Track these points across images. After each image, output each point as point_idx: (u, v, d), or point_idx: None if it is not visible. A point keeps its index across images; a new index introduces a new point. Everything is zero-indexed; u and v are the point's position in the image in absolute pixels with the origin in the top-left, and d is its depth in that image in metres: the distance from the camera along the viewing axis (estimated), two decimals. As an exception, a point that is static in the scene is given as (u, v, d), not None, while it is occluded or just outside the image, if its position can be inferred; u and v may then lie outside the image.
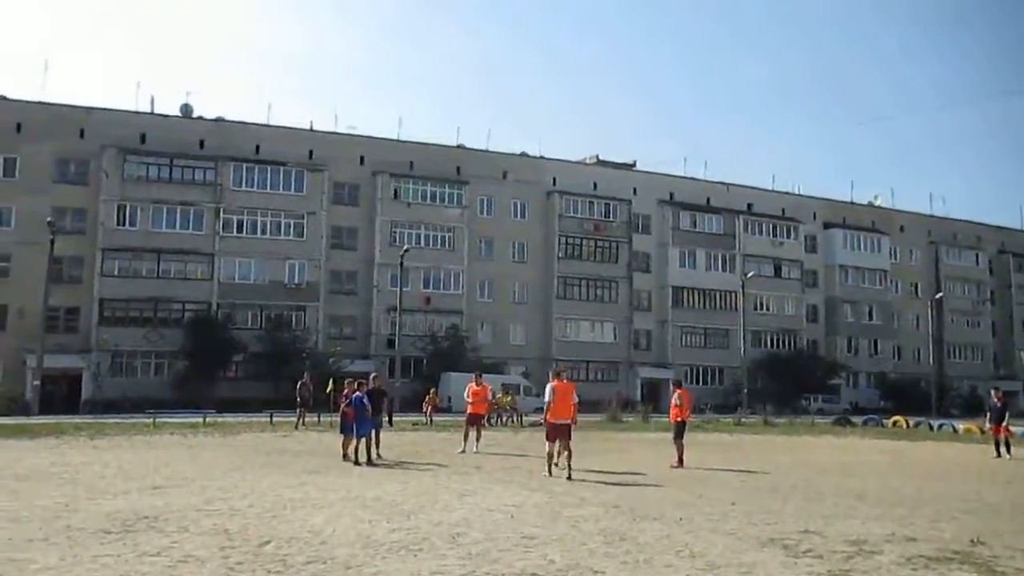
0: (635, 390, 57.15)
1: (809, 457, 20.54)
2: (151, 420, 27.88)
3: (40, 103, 48.99)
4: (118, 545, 7.82)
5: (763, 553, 7.95)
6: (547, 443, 14.68)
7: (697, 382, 59.25)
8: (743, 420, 36.28)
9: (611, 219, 61.26)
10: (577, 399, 14.96)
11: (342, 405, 16.91)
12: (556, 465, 14.48)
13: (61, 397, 44.03)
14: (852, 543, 8.52)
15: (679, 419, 17.28)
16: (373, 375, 18.31)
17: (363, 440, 16.09)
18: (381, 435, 17.37)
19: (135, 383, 46.09)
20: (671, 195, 64.58)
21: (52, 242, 40.81)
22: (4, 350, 45.26)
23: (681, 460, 16.63)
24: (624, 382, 58.48)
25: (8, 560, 7.10)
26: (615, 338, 60.48)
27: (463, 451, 18.54)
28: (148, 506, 10.19)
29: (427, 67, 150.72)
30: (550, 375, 15.82)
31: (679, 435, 17.10)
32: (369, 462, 15.82)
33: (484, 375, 22.76)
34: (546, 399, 14.69)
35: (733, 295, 61.62)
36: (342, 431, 16.70)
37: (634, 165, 66.61)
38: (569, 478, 13.82)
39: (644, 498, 11.80)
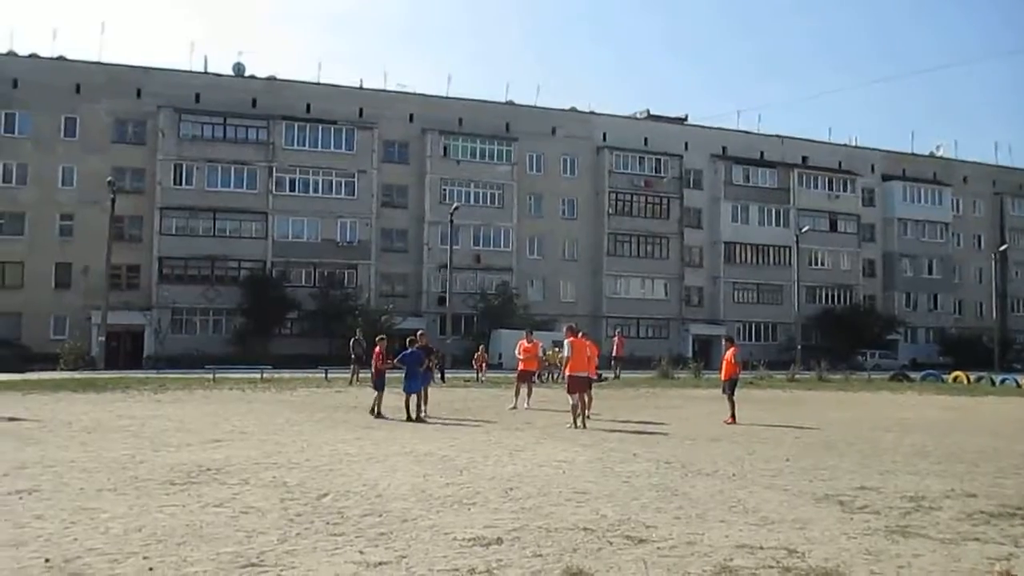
0: (687, 347, 56.79)
1: (865, 413, 20.28)
2: (211, 376, 28.58)
3: (98, 64, 49.83)
4: (183, 496, 8.09)
5: (819, 509, 7.91)
6: (570, 396, 15.36)
7: (750, 338, 58.66)
8: (797, 376, 35.90)
9: (662, 174, 60.48)
10: (593, 353, 16.08)
11: (376, 362, 17.05)
12: (588, 417, 15.23)
13: (125, 353, 45.42)
14: (910, 499, 8.43)
15: (731, 375, 17.19)
16: (420, 332, 18.58)
17: (413, 396, 16.18)
18: (429, 392, 17.52)
19: (194, 339, 47.24)
20: (723, 149, 63.45)
21: (113, 201, 41.83)
22: (70, 307, 46.69)
23: (734, 416, 16.57)
24: (675, 339, 58.22)
25: (80, 509, 7.39)
26: (666, 295, 60.08)
27: (514, 407, 18.69)
28: (210, 459, 10.51)
29: (475, 24, 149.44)
30: (566, 331, 16.42)
31: (731, 391, 17.02)
32: (418, 419, 15.95)
33: (535, 332, 22.81)
34: (565, 354, 15.82)
35: (787, 250, 60.66)
36: (375, 387, 16.82)
37: (685, 120, 65.45)
38: (584, 427, 14.79)
39: (696, 454, 11.80)
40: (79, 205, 47.60)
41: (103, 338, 41.95)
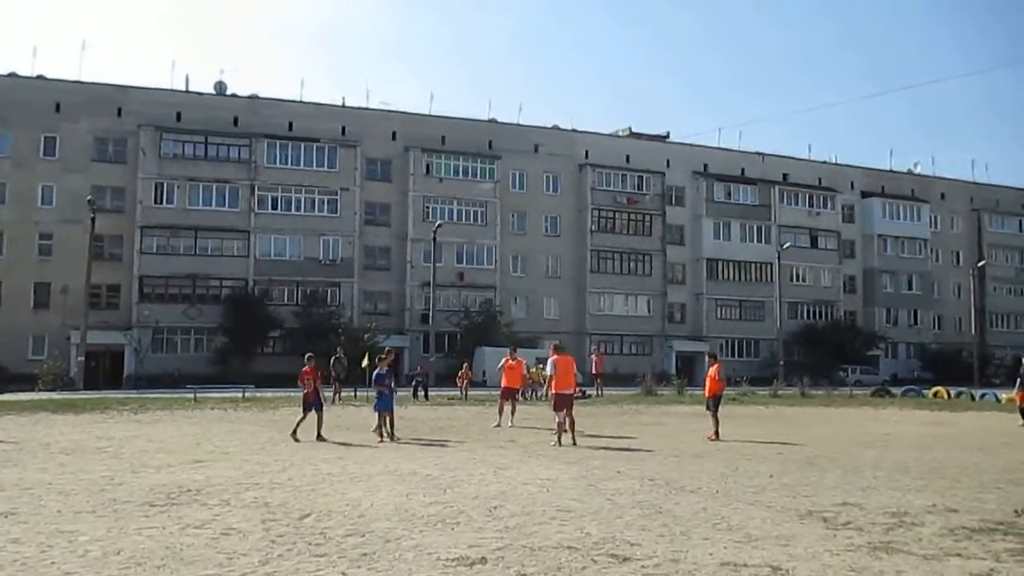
0: (670, 363, 56.91)
1: (847, 429, 20.35)
2: (192, 395, 28.33)
3: (78, 82, 49.63)
4: (162, 518, 8.00)
5: (802, 525, 7.92)
6: (555, 414, 15.36)
7: (732, 354, 58.89)
8: (779, 392, 36.01)
9: (644, 191, 60.82)
10: (576, 371, 16.34)
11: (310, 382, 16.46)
12: (566, 432, 15.16)
13: (104, 372, 45.00)
14: (892, 515, 8.45)
15: (715, 392, 17.23)
16: (387, 350, 18.28)
17: (386, 414, 15.95)
18: (413, 411, 17.47)
19: (176, 359, 46.89)
20: (705, 166, 63.90)
21: (93, 220, 41.57)
22: (49, 327, 46.24)
23: (717, 433, 16.58)
24: (658, 355, 58.37)
25: (58, 532, 7.30)
26: (649, 311, 60.29)
27: (498, 425, 18.64)
28: (190, 480, 10.40)
29: (458, 42, 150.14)
30: (551, 349, 16.56)
31: (715, 408, 17.05)
32: (391, 437, 15.69)
33: (519, 349, 22.79)
34: (548, 372, 15.78)
35: (768, 267, 61.06)
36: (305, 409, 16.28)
37: (667, 137, 65.98)
38: (574, 444, 14.77)
39: (680, 471, 11.80)
40: (58, 224, 47.26)
41: (82, 358, 41.49)
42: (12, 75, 49.37)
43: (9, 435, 16.16)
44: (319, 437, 15.47)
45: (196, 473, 11.04)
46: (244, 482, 10.26)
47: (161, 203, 49.11)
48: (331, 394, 27.28)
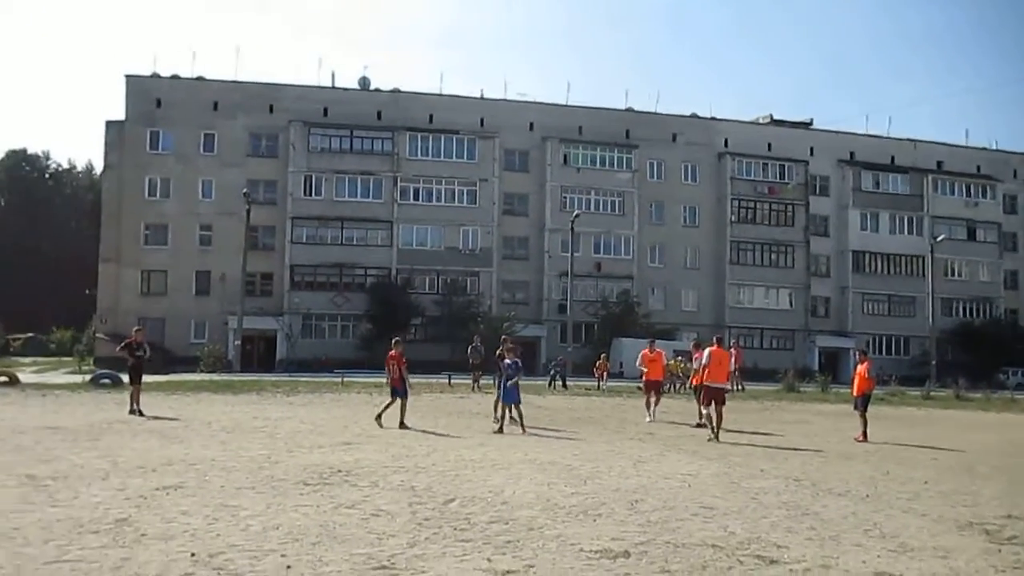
0: (813, 359, 54.92)
1: (1009, 436, 19.08)
2: (339, 379, 29.50)
3: (234, 82, 52.45)
4: (316, 496, 8.38)
5: (962, 537, 7.48)
6: (704, 407, 15.43)
7: (881, 352, 56.13)
8: (932, 394, 34.12)
9: (786, 181, 58.84)
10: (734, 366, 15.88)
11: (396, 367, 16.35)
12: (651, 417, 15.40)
13: (259, 356, 47.55)
14: (1064, 530, 7.86)
15: (864, 391, 16.48)
16: (503, 338, 18.38)
17: (512, 407, 15.43)
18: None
19: (323, 344, 48.99)
20: (851, 154, 61.07)
21: (248, 212, 43.99)
22: (209, 312, 49.29)
23: (865, 434, 15.90)
24: (800, 351, 56.40)
25: (222, 506, 7.78)
26: (791, 305, 58.35)
27: (652, 420, 18.08)
28: (341, 461, 10.86)
29: (594, 31, 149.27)
30: (693, 347, 16.91)
31: (864, 407, 16.33)
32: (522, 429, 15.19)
33: (656, 341, 22.46)
34: (703, 362, 15.52)
35: (920, 260, 57.86)
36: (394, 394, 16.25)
37: (810, 124, 63.36)
38: (716, 440, 14.45)
39: (827, 472, 11.39)
40: (217, 216, 50.25)
41: (239, 342, 44.08)
42: (174, 77, 52.70)
43: (175, 413, 17.36)
44: (401, 424, 15.40)
45: (346, 455, 11.52)
46: (391, 465, 10.63)
47: (310, 195, 51.39)
48: (471, 381, 27.90)
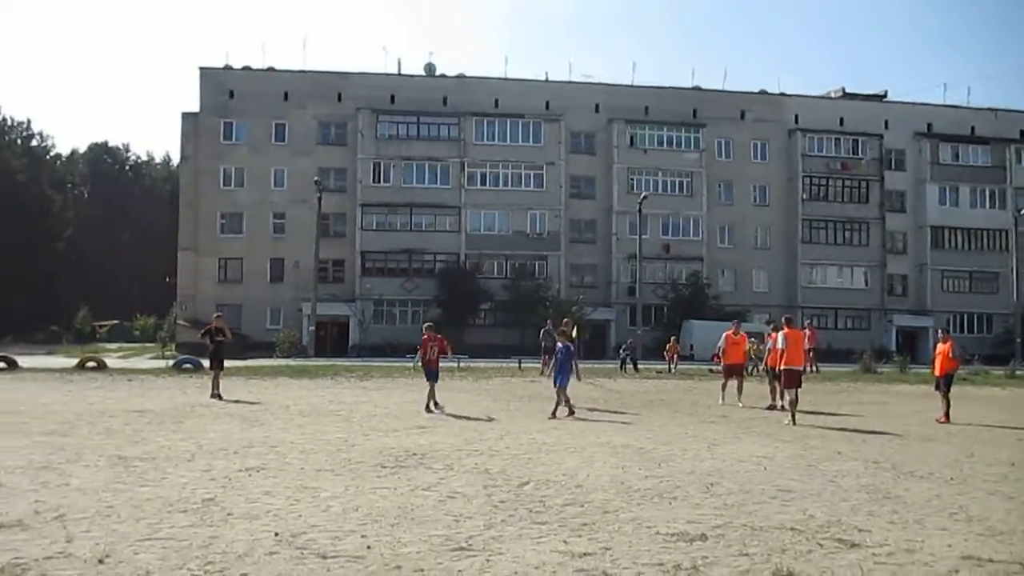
0: (890, 339, 53.53)
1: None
2: (411, 364, 29.83)
3: (303, 72, 53.29)
4: (393, 479, 8.55)
5: (1054, 521, 7.23)
6: (787, 391, 15.15)
7: (962, 330, 54.21)
8: (1017, 373, 32.91)
9: (860, 156, 57.22)
10: (808, 347, 15.42)
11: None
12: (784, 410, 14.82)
13: (332, 341, 48.46)
14: None
15: (947, 371, 15.99)
16: (565, 320, 18.22)
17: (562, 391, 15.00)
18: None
19: (394, 329, 49.64)
20: (928, 126, 58.97)
21: (319, 200, 44.73)
22: (283, 299, 50.42)
23: (948, 415, 15.46)
24: (877, 331, 55.02)
25: (302, 487, 7.99)
26: (866, 283, 56.88)
27: (740, 404, 17.57)
28: (415, 444, 11.03)
29: (658, 10, 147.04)
30: (770, 332, 16.41)
31: (947, 388, 15.85)
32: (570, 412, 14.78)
33: (725, 322, 21.96)
34: (779, 346, 15.19)
35: (1003, 234, 55.78)
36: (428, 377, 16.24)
37: (885, 96, 61.35)
38: (793, 423, 14.15)
39: (908, 454, 11.11)
40: (289, 204, 51.27)
41: (313, 328, 44.99)
42: (246, 68, 53.80)
43: (254, 397, 17.85)
44: (427, 408, 15.47)
45: (420, 438, 11.69)
46: (464, 448, 10.75)
47: (379, 182, 51.99)
48: (541, 365, 27.95)
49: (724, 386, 18.55)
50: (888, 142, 57.61)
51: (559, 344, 15.70)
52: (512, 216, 52.75)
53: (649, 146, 54.89)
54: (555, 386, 15.10)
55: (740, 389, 18.38)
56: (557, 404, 14.79)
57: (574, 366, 15.58)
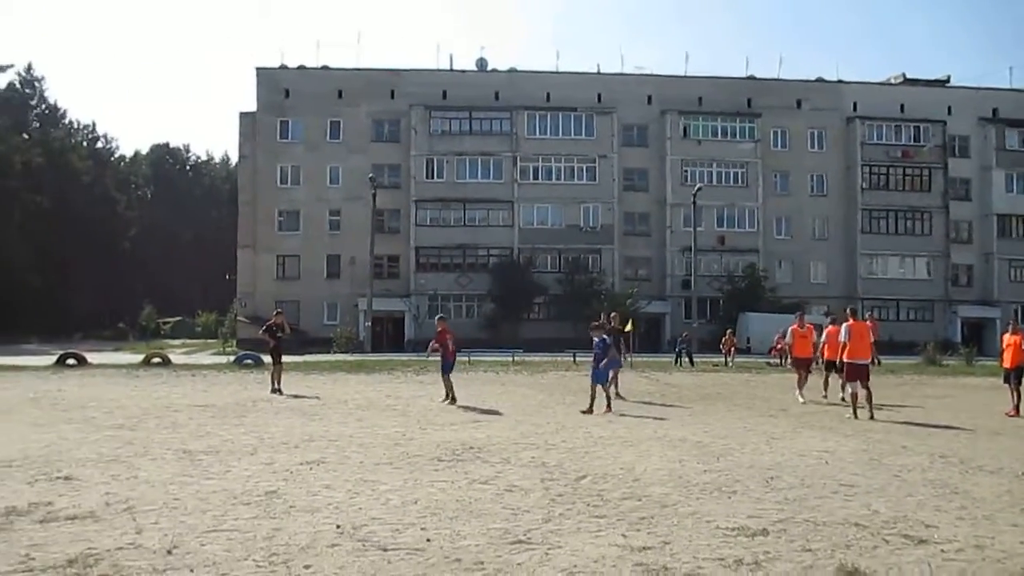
0: (954, 331, 52.15)
1: None
2: (466, 358, 30.02)
3: (356, 70, 53.83)
4: (451, 472, 8.59)
5: None
6: (848, 384, 14.68)
7: (1032, 321, 52.68)
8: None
9: (922, 143, 55.80)
10: (873, 339, 14.91)
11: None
12: (862, 407, 14.20)
13: (388, 336, 49.00)
14: None
15: (1018, 363, 15.47)
16: (612, 314, 18.16)
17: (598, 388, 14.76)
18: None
19: (449, 324, 49.57)
20: (994, 111, 57.22)
21: (374, 196, 45.24)
22: (340, 295, 51.08)
23: (1018, 408, 15.01)
24: (940, 322, 53.68)
25: (362, 480, 8.08)
26: (929, 274, 55.51)
27: (803, 400, 16.93)
28: (472, 438, 11.08)
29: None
30: (830, 322, 16.18)
31: (1017, 381, 15.35)
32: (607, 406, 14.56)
33: (782, 315, 21.57)
34: (842, 339, 14.74)
35: (1075, 222, 53.88)
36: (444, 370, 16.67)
37: (947, 82, 59.69)
38: (854, 416, 13.82)
39: (976, 448, 10.81)
40: (344, 201, 51.89)
41: (369, 323, 45.50)
42: (301, 67, 54.54)
43: (313, 392, 18.13)
44: (450, 399, 15.80)
45: (477, 432, 11.74)
46: (521, 442, 10.76)
47: (432, 178, 52.29)
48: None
49: (800, 382, 17.61)
50: (951, 128, 56.08)
51: (595, 339, 15.28)
52: (565, 210, 52.62)
53: (703, 137, 54.29)
54: (596, 381, 14.72)
55: (803, 382, 17.74)
56: (592, 399, 14.49)
57: (615, 359, 15.54)
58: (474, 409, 14.96)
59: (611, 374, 15.70)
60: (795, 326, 18.50)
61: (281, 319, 19.44)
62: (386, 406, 15.45)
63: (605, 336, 15.46)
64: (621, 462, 9.28)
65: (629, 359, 23.25)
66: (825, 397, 17.21)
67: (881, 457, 9.92)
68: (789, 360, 19.78)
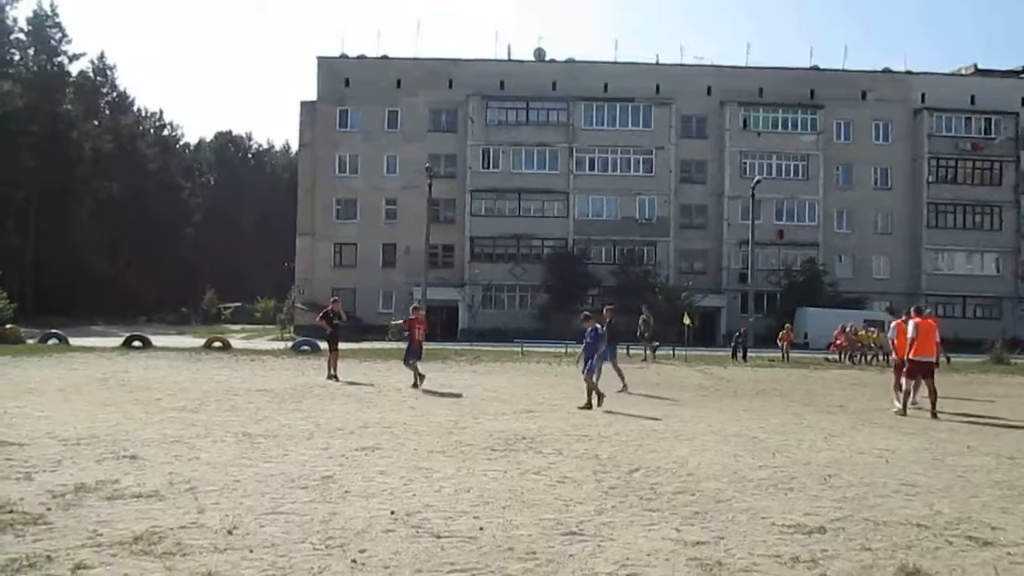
0: (1023, 328, 50.60)
1: None
2: (519, 349, 30.10)
3: (415, 59, 54.16)
4: (503, 462, 8.61)
5: None
6: (905, 380, 14.35)
7: (1108, 320, 50.88)
8: None
9: (993, 136, 54.16)
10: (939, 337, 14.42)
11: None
12: (914, 404, 13.96)
13: (442, 326, 49.15)
14: None
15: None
16: (607, 308, 18.16)
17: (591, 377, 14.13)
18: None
19: (503, 314, 50.04)
20: (1072, 101, 55.28)
21: (430, 186, 45.49)
22: (395, 283, 51.55)
23: (1088, 410, 14.47)
24: (1009, 320, 52.08)
25: (416, 468, 8.15)
26: (998, 270, 53.95)
27: (903, 413, 14.40)
28: (525, 428, 11.09)
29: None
30: (896, 322, 15.43)
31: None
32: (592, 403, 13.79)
33: (842, 310, 21.01)
34: (909, 335, 14.32)
35: None
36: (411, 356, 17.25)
37: (1021, 72, 57.74)
38: (935, 416, 13.36)
39: (1045, 451, 10.47)
40: (401, 190, 52.30)
41: (424, 312, 45.68)
42: (361, 57, 55.05)
43: (368, 380, 18.34)
44: (414, 385, 16.27)
45: (529, 422, 11.75)
46: (573, 433, 10.74)
47: (488, 168, 52.38)
48: (644, 351, 27.78)
49: (898, 385, 15.19)
50: (1024, 120, 54.31)
51: (588, 329, 14.24)
52: (621, 201, 52.27)
53: (763, 129, 53.47)
54: (587, 373, 14.03)
55: (901, 386, 15.18)
56: (589, 393, 13.78)
57: (606, 352, 15.37)
58: (526, 399, 14.97)
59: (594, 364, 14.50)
60: (898, 322, 15.99)
61: (338, 306, 19.71)
62: (440, 395, 15.55)
63: (598, 326, 14.51)
64: (674, 456, 9.20)
65: (671, 352, 22.86)
66: (915, 402, 15.85)
67: (944, 457, 9.67)
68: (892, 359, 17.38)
